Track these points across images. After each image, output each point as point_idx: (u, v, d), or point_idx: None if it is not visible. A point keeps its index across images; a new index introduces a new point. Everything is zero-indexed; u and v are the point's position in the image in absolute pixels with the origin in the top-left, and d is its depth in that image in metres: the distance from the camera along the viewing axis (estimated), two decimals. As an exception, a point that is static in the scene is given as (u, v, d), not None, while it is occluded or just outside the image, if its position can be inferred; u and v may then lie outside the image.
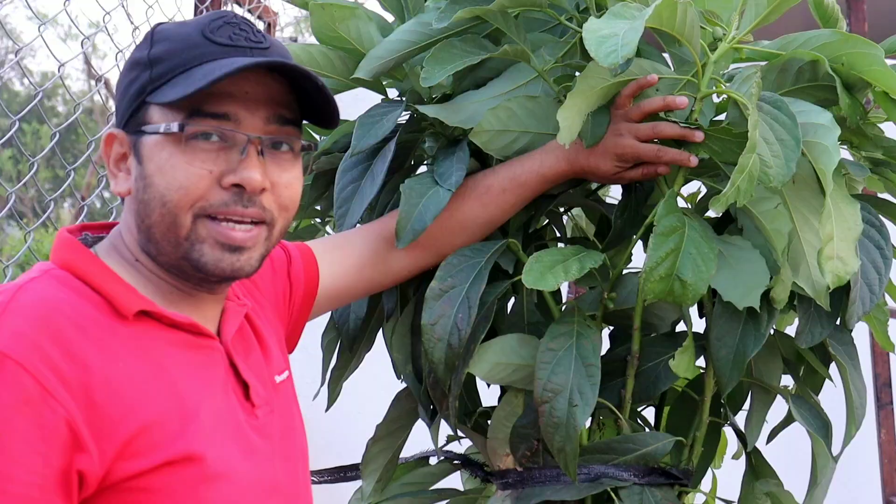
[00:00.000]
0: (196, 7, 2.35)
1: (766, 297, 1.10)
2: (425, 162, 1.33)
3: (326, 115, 0.95)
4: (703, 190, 1.25)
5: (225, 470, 0.88)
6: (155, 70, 0.88)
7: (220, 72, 0.85)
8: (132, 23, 2.06)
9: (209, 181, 0.88)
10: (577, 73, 1.23)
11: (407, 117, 1.26)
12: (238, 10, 2.33)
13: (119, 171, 0.93)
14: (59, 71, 1.66)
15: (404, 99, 1.25)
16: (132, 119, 0.90)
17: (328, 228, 1.49)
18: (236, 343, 0.97)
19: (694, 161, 1.11)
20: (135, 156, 0.90)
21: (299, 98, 0.94)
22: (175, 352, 0.89)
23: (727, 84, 1.14)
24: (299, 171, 0.95)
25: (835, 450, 1.19)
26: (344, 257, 1.18)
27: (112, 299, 0.87)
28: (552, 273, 1.11)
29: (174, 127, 0.87)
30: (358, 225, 1.23)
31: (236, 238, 0.89)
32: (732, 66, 1.21)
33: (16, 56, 1.55)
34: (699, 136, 1.10)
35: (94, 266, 0.89)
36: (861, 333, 1.26)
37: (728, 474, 1.37)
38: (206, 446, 0.86)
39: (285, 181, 0.92)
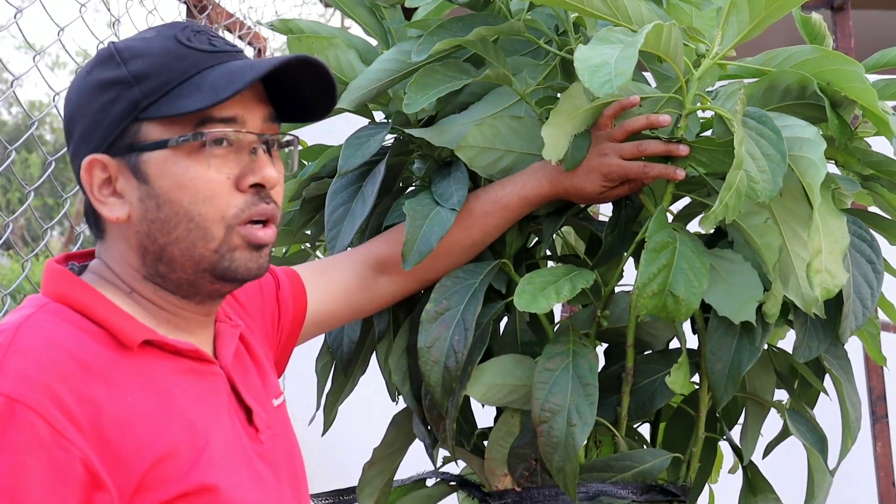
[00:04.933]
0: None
1: (759, 310, 1.11)
2: (414, 183, 1.34)
3: (317, 104, 0.97)
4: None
5: (239, 499, 0.87)
6: (144, 86, 0.87)
7: (251, 75, 0.86)
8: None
9: (228, 187, 0.88)
10: (558, 95, 1.24)
11: (393, 140, 1.27)
12: (229, 36, 2.36)
13: (106, 197, 0.89)
14: (53, 101, 1.66)
15: (390, 121, 1.26)
16: (118, 140, 0.88)
17: (318, 253, 1.49)
18: (235, 366, 0.97)
19: (681, 174, 1.11)
20: (134, 176, 0.88)
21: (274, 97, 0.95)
22: (181, 380, 0.88)
23: (712, 101, 1.15)
24: (283, 167, 0.96)
25: (831, 463, 1.20)
26: (330, 282, 1.18)
27: (114, 330, 0.85)
28: (544, 295, 1.11)
29: (190, 137, 0.86)
30: (348, 247, 1.23)
31: (262, 237, 0.91)
32: (718, 83, 1.22)
33: (11, 86, 1.56)
34: (684, 149, 1.11)
35: (91, 297, 0.87)
36: (854, 347, 1.26)
37: (725, 489, 1.37)
38: (220, 476, 0.86)
39: (278, 178, 0.94)
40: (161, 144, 0.87)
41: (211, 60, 0.89)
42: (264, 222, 0.91)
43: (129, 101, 0.87)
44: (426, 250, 1.13)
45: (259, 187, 0.90)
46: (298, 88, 0.94)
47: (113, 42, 0.93)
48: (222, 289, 0.93)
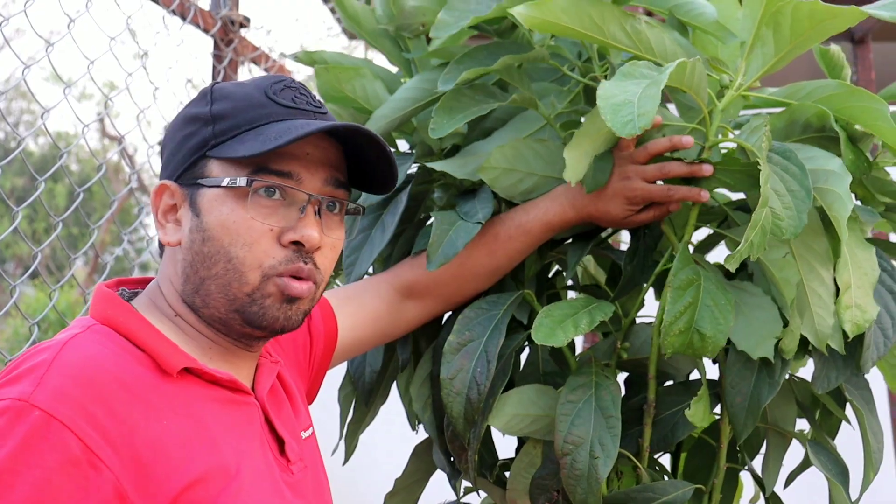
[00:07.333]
0: (214, 68, 2.38)
1: (777, 345, 1.10)
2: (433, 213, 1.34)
3: (382, 179, 0.98)
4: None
5: None
6: (218, 126, 0.91)
7: (298, 132, 0.87)
8: (152, 83, 2.08)
9: (270, 238, 0.90)
10: (583, 119, 1.24)
11: (417, 169, 1.27)
12: (255, 69, 2.37)
13: (167, 221, 0.94)
14: (82, 133, 1.68)
15: (414, 151, 1.26)
16: (188, 172, 0.92)
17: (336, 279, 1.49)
18: (270, 399, 0.99)
19: (705, 195, 1.11)
20: (190, 208, 0.92)
21: (349, 163, 0.98)
22: (215, 408, 0.90)
23: (735, 132, 1.14)
24: (343, 234, 0.98)
25: (853, 494, 1.19)
26: (359, 308, 1.19)
27: (156, 356, 0.87)
28: (562, 328, 1.11)
29: (241, 181, 0.89)
30: (366, 275, 1.23)
31: (296, 290, 0.91)
32: (742, 112, 1.22)
33: (42, 118, 1.57)
34: (708, 169, 1.10)
35: (136, 322, 0.90)
36: (878, 377, 1.26)
37: (746, 518, 1.36)
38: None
39: (331, 242, 0.95)
40: (217, 183, 0.90)
41: (284, 114, 0.92)
42: (302, 278, 0.92)
43: (202, 137, 0.92)
44: (451, 253, 1.13)
45: (299, 245, 0.91)
46: (369, 161, 0.96)
47: (216, 82, 0.97)
48: (253, 334, 0.94)
